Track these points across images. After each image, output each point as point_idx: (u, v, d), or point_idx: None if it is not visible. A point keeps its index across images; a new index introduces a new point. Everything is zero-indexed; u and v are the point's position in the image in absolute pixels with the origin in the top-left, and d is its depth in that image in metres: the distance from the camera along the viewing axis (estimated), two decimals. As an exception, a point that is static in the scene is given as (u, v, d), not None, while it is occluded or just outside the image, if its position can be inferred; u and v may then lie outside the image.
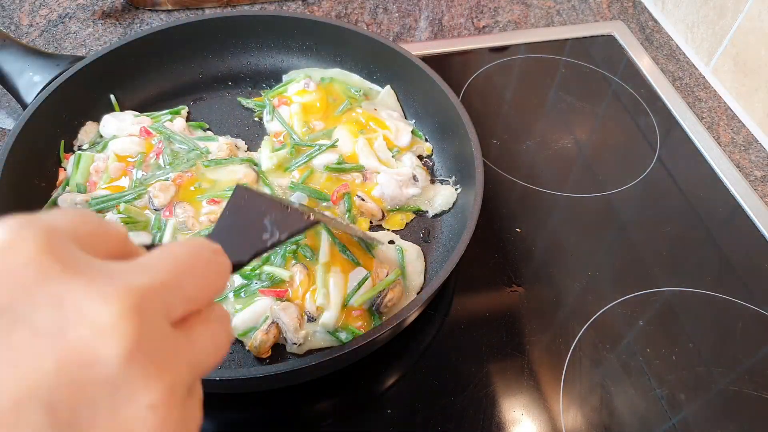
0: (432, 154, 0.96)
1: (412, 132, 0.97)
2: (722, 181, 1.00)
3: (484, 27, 1.23)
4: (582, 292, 0.85)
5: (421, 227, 0.88)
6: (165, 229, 0.81)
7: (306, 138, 0.95)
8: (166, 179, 0.85)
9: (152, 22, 1.17)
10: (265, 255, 0.76)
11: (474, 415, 0.73)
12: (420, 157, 0.95)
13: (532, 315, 0.82)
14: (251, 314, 0.75)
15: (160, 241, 0.80)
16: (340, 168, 0.90)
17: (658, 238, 0.92)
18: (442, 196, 0.90)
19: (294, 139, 0.94)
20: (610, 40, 1.23)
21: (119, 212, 0.80)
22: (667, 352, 0.80)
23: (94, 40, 1.13)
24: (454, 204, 0.89)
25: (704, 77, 1.16)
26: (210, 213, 0.83)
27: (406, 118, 1.00)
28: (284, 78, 1.04)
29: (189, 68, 1.02)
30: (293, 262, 0.79)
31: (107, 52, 0.92)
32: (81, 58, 0.92)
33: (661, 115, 1.10)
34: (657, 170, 1.01)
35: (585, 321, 0.82)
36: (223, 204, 0.83)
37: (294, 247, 0.79)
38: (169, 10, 1.19)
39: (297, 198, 0.87)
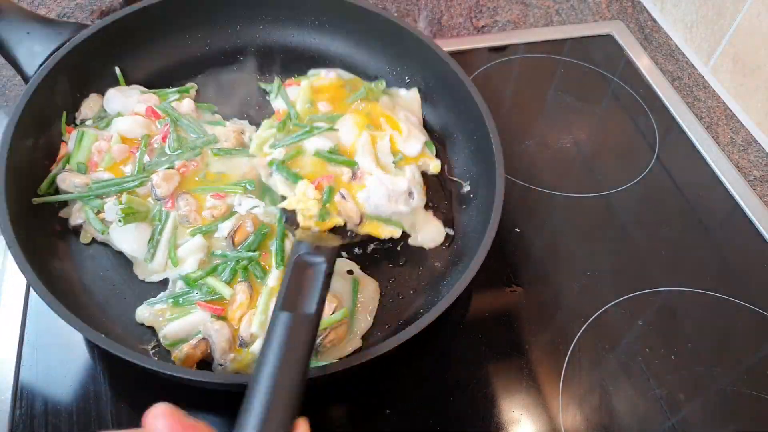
0: (440, 174, 0.90)
1: (425, 144, 0.89)
2: (721, 181, 1.00)
3: (483, 27, 1.23)
4: (581, 292, 0.85)
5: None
6: (166, 222, 0.78)
7: (306, 119, 0.86)
8: (171, 167, 0.81)
9: (151, 21, 1.16)
10: (212, 265, 0.75)
11: (473, 415, 0.73)
12: (424, 175, 0.89)
13: (531, 315, 0.82)
14: (184, 325, 0.71)
15: (160, 234, 0.77)
16: (329, 157, 0.80)
17: (656, 238, 0.92)
18: (428, 232, 0.83)
19: (291, 119, 0.86)
20: (609, 39, 1.23)
21: (120, 203, 0.77)
22: (666, 352, 0.80)
23: (93, 39, 1.13)
24: (440, 245, 0.84)
25: (703, 77, 1.16)
26: (213, 207, 0.79)
27: (427, 130, 0.94)
28: (309, 72, 0.99)
29: (196, 39, 0.98)
30: (240, 279, 0.74)
31: (112, 21, 0.88)
32: (85, 26, 0.88)
33: (660, 114, 1.10)
34: (656, 170, 1.01)
35: (584, 321, 0.82)
36: (228, 199, 0.80)
37: (246, 262, 0.75)
38: (167, 10, 1.18)
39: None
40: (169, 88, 0.94)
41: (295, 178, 0.78)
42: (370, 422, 0.72)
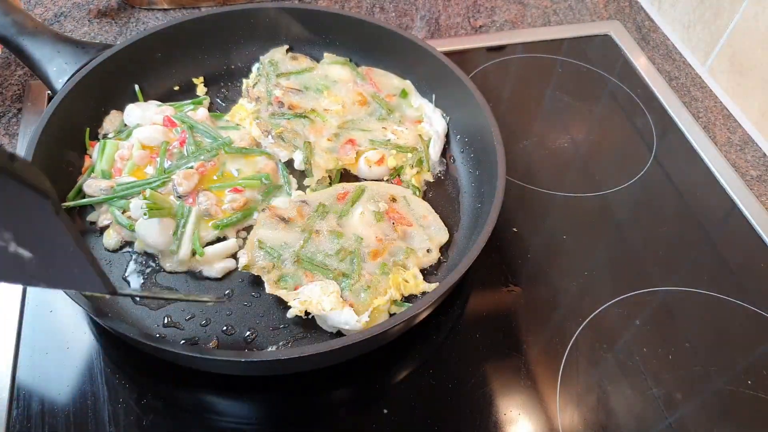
0: (445, 173, 0.95)
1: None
2: (718, 180, 1.00)
3: (480, 26, 1.23)
4: (578, 292, 0.85)
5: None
6: (188, 216, 0.82)
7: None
8: (190, 168, 0.86)
9: (148, 21, 1.16)
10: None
11: (471, 414, 0.73)
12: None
13: (529, 315, 0.82)
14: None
15: (184, 227, 0.81)
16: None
17: (654, 238, 0.92)
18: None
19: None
20: (606, 39, 1.23)
21: (145, 198, 0.80)
22: (663, 352, 0.80)
23: (90, 39, 1.13)
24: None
25: (700, 77, 1.17)
26: (233, 201, 0.84)
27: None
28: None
29: (214, 58, 1.03)
30: None
31: (135, 41, 0.93)
32: (109, 46, 0.93)
33: (657, 114, 1.10)
34: (653, 170, 1.01)
35: (582, 320, 0.82)
36: (247, 194, 0.85)
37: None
38: (165, 9, 1.18)
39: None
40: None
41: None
42: (368, 422, 0.72)
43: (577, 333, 0.81)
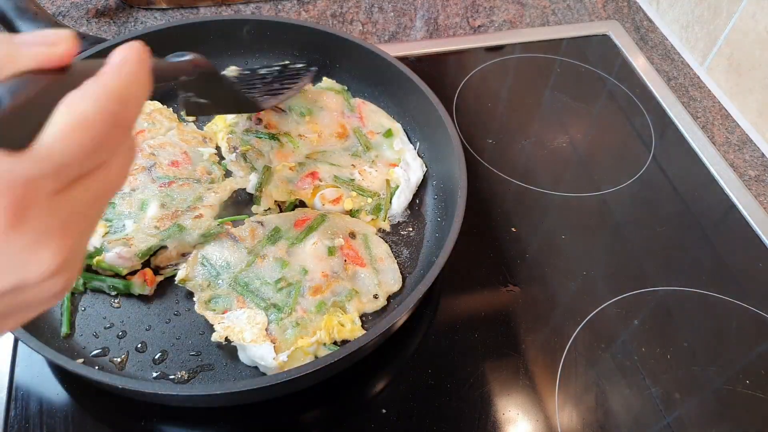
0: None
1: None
2: (717, 180, 1.00)
3: (479, 26, 1.23)
4: (577, 292, 0.85)
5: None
6: None
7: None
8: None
9: (147, 20, 1.16)
10: None
11: (469, 415, 0.73)
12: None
13: (528, 314, 0.82)
14: None
15: None
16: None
17: (652, 238, 0.92)
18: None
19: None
20: (605, 39, 1.23)
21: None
22: (661, 352, 0.80)
23: (88, 38, 1.12)
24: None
25: (699, 77, 1.17)
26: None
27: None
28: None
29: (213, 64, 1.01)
30: None
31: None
32: (102, 40, 0.91)
33: (655, 114, 1.10)
34: (652, 170, 1.01)
35: (580, 320, 0.82)
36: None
37: None
38: (163, 9, 1.18)
39: None
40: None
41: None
42: (366, 422, 0.72)
43: (575, 333, 0.81)
